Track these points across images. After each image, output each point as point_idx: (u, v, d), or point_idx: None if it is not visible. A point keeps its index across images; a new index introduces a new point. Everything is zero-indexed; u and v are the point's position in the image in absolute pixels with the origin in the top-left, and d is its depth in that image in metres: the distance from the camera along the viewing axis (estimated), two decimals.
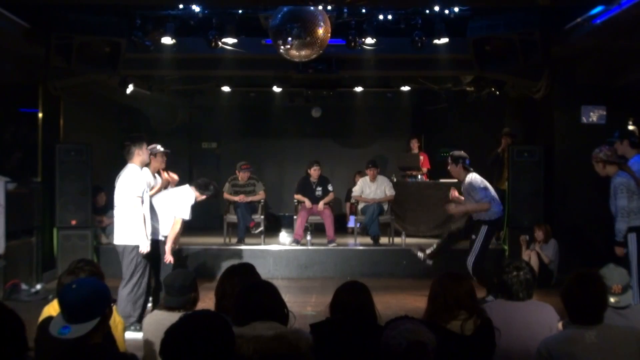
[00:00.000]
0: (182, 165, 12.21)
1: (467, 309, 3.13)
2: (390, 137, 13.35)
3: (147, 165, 6.36)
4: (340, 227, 11.05)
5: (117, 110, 11.80)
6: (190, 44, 8.28)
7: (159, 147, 6.63)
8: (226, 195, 9.90)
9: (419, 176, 11.21)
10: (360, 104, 12.81)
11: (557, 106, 9.03)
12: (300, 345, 2.61)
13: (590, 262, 3.78)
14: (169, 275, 4.08)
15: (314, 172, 9.96)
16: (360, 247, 9.69)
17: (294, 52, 6.92)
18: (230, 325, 2.36)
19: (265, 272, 8.70)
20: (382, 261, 9.33)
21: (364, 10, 7.61)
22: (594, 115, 8.83)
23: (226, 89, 11.54)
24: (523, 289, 3.54)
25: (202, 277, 8.40)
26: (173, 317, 2.92)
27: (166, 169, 7.06)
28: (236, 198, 9.73)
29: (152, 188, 6.42)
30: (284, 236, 11.30)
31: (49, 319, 2.82)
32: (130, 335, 4.78)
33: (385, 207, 10.12)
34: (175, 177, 7.09)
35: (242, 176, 9.91)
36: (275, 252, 9.40)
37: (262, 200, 10.02)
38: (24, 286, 7.71)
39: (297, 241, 9.62)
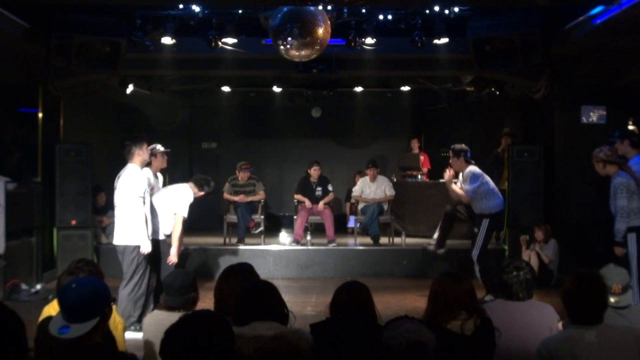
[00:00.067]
0: (182, 165, 12.23)
1: (467, 309, 3.13)
2: (390, 137, 13.35)
3: (148, 165, 6.36)
4: (340, 227, 11.05)
5: (117, 110, 11.79)
6: (190, 44, 8.28)
7: (159, 147, 6.63)
8: (226, 195, 9.90)
9: (419, 176, 11.21)
10: (360, 104, 12.82)
11: (557, 106, 9.04)
12: (300, 345, 2.61)
13: (590, 262, 3.79)
14: (169, 275, 4.08)
15: (314, 172, 9.96)
16: (360, 247, 9.69)
17: (294, 52, 6.93)
18: (230, 325, 2.36)
19: (265, 272, 8.70)
20: (382, 261, 9.33)
21: (364, 10, 7.62)
22: (594, 115, 8.83)
23: (226, 89, 11.55)
24: (523, 289, 3.54)
25: (202, 277, 8.40)
26: (173, 317, 2.92)
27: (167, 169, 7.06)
28: (236, 198, 9.73)
29: (152, 188, 6.42)
30: (284, 236, 11.30)
31: (49, 318, 2.82)
32: (130, 335, 4.78)
33: (385, 207, 10.12)
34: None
35: (242, 176, 9.91)
36: (275, 252, 9.40)
37: (262, 200, 10.02)
38: (24, 286, 7.71)
39: (297, 241, 9.62)
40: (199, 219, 9.52)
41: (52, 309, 3.50)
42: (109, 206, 8.06)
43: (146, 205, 5.99)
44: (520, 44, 7.50)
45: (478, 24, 7.74)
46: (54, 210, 8.77)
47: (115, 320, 3.60)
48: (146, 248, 5.87)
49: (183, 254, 6.80)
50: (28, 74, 8.43)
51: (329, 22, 6.93)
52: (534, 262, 7.71)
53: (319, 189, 9.92)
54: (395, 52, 8.55)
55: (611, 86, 8.69)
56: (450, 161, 7.35)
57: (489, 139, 10.47)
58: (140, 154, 6.03)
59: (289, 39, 6.72)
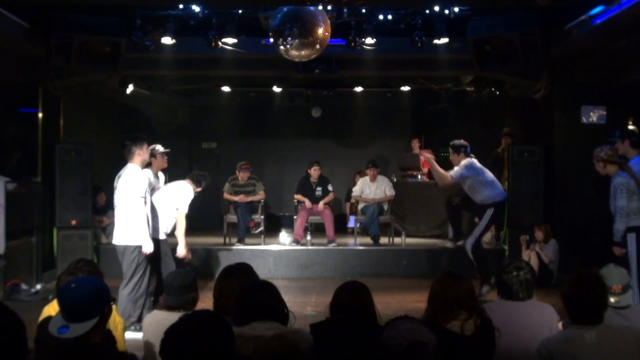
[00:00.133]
0: (182, 165, 12.22)
1: (467, 309, 3.12)
2: (390, 137, 13.35)
3: (149, 165, 6.36)
4: (340, 227, 11.04)
5: (117, 110, 11.79)
6: (190, 44, 8.27)
7: (159, 148, 6.63)
8: (226, 195, 9.90)
9: (419, 176, 11.22)
10: (360, 104, 12.81)
11: (557, 106, 9.03)
12: (300, 345, 2.61)
13: (590, 262, 3.78)
14: (169, 275, 4.08)
15: (314, 172, 9.96)
16: (360, 247, 9.69)
17: (294, 52, 6.93)
18: (230, 325, 2.36)
19: (265, 272, 8.70)
20: (382, 261, 9.33)
21: (364, 10, 7.62)
22: (594, 115, 8.83)
23: (226, 89, 11.54)
24: (523, 289, 3.54)
25: (202, 277, 8.41)
26: (173, 317, 2.92)
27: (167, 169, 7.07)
28: (236, 198, 9.73)
29: (153, 189, 6.43)
30: (284, 236, 11.30)
31: (49, 318, 2.82)
32: (130, 335, 4.78)
33: (385, 207, 10.12)
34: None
35: (242, 176, 9.91)
36: (275, 252, 9.40)
37: (262, 200, 10.02)
38: (24, 286, 7.71)
39: (297, 241, 9.62)
40: (199, 219, 9.55)
41: (52, 309, 3.50)
42: (109, 206, 8.05)
43: (147, 205, 5.99)
44: (520, 44, 7.50)
45: (478, 24, 7.74)
46: (54, 210, 8.77)
47: (115, 320, 3.60)
48: (148, 248, 5.88)
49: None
50: (28, 74, 8.43)
51: (329, 22, 6.93)
52: (534, 262, 7.71)
53: (319, 189, 9.92)
54: (395, 52, 8.55)
55: (611, 86, 8.69)
56: (450, 157, 7.35)
57: (489, 139, 10.47)
58: (141, 153, 6.03)
59: (289, 39, 6.72)
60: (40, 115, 8.66)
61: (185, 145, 13.16)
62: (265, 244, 9.68)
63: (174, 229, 6.76)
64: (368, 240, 10.00)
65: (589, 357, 2.92)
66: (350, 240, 10.46)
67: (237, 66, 8.94)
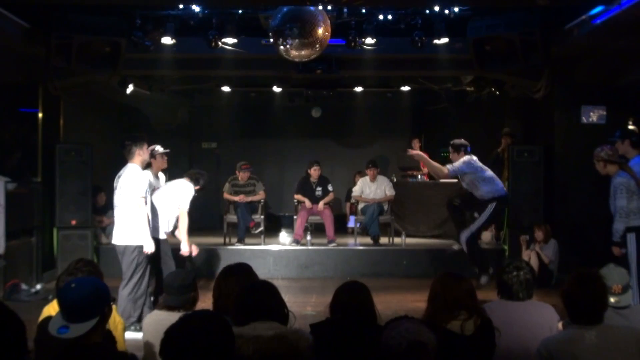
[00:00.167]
0: (182, 165, 12.19)
1: (467, 309, 3.12)
2: (390, 137, 13.34)
3: (149, 166, 6.36)
4: (340, 227, 11.04)
5: (117, 110, 11.79)
6: (190, 44, 8.28)
7: (158, 148, 6.63)
8: (226, 195, 9.90)
9: (419, 176, 11.22)
10: (360, 104, 12.81)
11: (557, 106, 9.03)
12: (300, 345, 2.61)
13: (590, 262, 3.78)
14: (168, 275, 4.08)
15: (314, 172, 9.96)
16: (360, 247, 9.69)
17: (294, 52, 6.92)
18: (230, 325, 2.36)
19: (265, 272, 8.70)
20: (382, 261, 9.33)
21: (364, 10, 7.62)
22: (594, 115, 8.84)
23: (226, 89, 11.54)
24: (523, 289, 3.54)
25: (202, 277, 8.42)
26: (173, 316, 2.92)
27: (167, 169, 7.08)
28: (236, 198, 9.73)
29: (153, 189, 6.43)
30: (284, 236, 11.30)
31: (49, 318, 2.82)
32: (130, 335, 4.78)
33: (385, 207, 10.12)
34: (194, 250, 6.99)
35: (242, 176, 9.91)
36: (275, 252, 9.40)
37: (262, 200, 10.02)
38: (24, 286, 7.71)
39: (297, 241, 9.62)
40: (199, 219, 9.53)
41: (52, 309, 3.50)
42: (109, 206, 8.06)
43: (147, 205, 6.00)
44: (520, 44, 7.50)
45: (478, 24, 7.74)
46: (54, 210, 8.77)
47: (115, 320, 3.60)
48: (150, 248, 5.89)
49: (178, 252, 6.81)
50: (28, 74, 8.43)
51: (329, 22, 6.93)
52: (534, 262, 7.71)
53: (319, 189, 9.92)
54: (395, 52, 8.55)
55: (611, 86, 8.69)
56: (451, 156, 7.34)
57: (489, 139, 10.47)
58: (141, 154, 6.03)
59: (289, 39, 6.72)
60: (40, 115, 8.66)
61: (185, 145, 13.16)
62: (265, 244, 9.68)
63: (174, 228, 6.77)
64: (368, 240, 10.00)
65: (589, 357, 2.92)
66: (350, 240, 10.46)
67: (237, 66, 8.94)
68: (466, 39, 7.87)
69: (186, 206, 6.67)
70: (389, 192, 10.08)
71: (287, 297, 3.03)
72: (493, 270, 7.15)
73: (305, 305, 7.18)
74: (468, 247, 7.16)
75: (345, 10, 7.52)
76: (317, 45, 6.84)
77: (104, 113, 11.32)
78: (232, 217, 9.81)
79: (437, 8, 7.51)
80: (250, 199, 9.79)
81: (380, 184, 10.11)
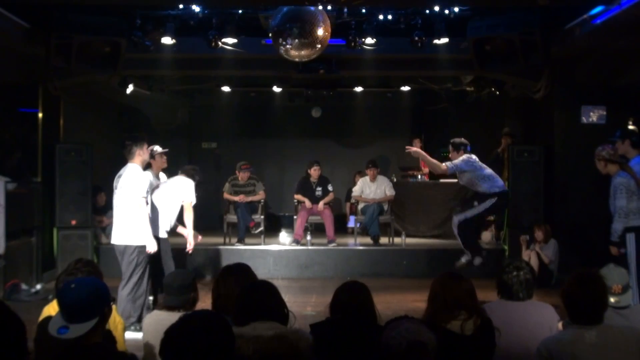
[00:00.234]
0: (182, 165, 12.19)
1: (467, 309, 3.12)
2: (390, 137, 13.33)
3: (149, 166, 6.36)
4: (340, 227, 11.04)
5: (117, 110, 11.80)
6: (190, 44, 8.28)
7: (157, 148, 6.63)
8: (226, 195, 9.90)
9: (420, 176, 11.22)
10: (360, 104, 12.81)
11: (557, 106, 9.03)
12: (300, 345, 2.61)
13: (590, 262, 3.78)
14: (168, 275, 4.08)
15: (314, 172, 9.96)
16: (360, 247, 9.69)
17: (294, 52, 6.92)
18: (230, 325, 2.36)
19: (265, 272, 8.71)
20: (382, 261, 9.33)
21: (364, 10, 7.62)
22: (594, 115, 8.83)
23: (226, 89, 11.54)
24: (523, 289, 3.54)
25: (202, 277, 8.43)
26: (173, 317, 2.91)
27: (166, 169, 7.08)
28: (236, 198, 9.73)
29: (154, 189, 6.43)
30: (284, 236, 11.30)
31: (49, 318, 2.82)
32: (130, 335, 4.78)
33: (385, 207, 10.12)
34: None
35: (242, 176, 9.91)
36: (275, 252, 9.40)
37: (262, 200, 10.02)
38: (24, 286, 7.71)
39: (297, 241, 9.62)
40: (199, 219, 9.49)
41: (52, 309, 3.50)
42: (109, 206, 8.05)
43: (148, 205, 6.00)
44: (520, 44, 7.51)
45: (478, 24, 7.74)
46: (54, 210, 8.77)
47: (115, 320, 3.60)
48: (152, 247, 5.90)
49: (184, 254, 6.82)
50: (28, 74, 8.43)
51: (329, 22, 6.93)
52: (534, 262, 7.71)
53: (319, 189, 9.92)
54: (395, 52, 8.55)
55: (611, 86, 8.69)
56: (450, 155, 7.34)
57: (489, 139, 10.47)
58: (141, 154, 6.03)
59: (289, 39, 6.72)
60: (40, 115, 8.65)
61: (185, 145, 13.16)
62: (265, 244, 9.68)
63: (175, 226, 6.77)
64: (368, 240, 9.99)
65: (589, 357, 2.92)
66: (350, 240, 10.46)
67: (237, 66, 8.94)
68: (466, 39, 7.87)
69: (193, 199, 6.71)
70: (389, 192, 10.08)
71: (287, 297, 3.03)
72: (486, 252, 7.20)
73: (305, 305, 7.18)
74: (459, 230, 7.09)
75: (345, 10, 7.52)
76: (317, 45, 6.84)
77: (104, 113, 11.32)
78: (232, 217, 9.81)
79: (437, 8, 7.51)
80: (250, 199, 9.79)
81: (380, 184, 10.11)
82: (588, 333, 2.97)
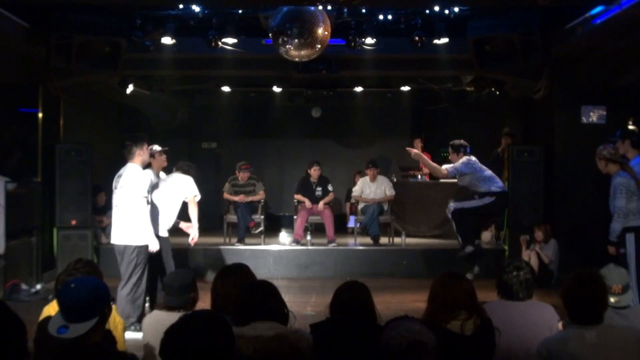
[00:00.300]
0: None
1: (467, 309, 3.12)
2: (390, 137, 13.34)
3: (149, 166, 6.36)
4: (340, 227, 11.04)
5: (117, 110, 11.80)
6: (190, 44, 8.28)
7: (156, 147, 6.63)
8: (226, 195, 9.90)
9: (420, 176, 11.22)
10: (360, 104, 12.81)
11: (557, 106, 9.03)
12: (300, 345, 2.61)
13: (590, 262, 3.78)
14: (168, 275, 4.09)
15: (314, 172, 9.96)
16: (360, 247, 9.69)
17: (294, 52, 6.92)
18: (230, 325, 2.36)
19: (265, 272, 8.71)
20: (382, 261, 9.33)
21: (364, 10, 7.62)
22: (594, 115, 8.83)
23: (226, 89, 11.55)
24: (523, 289, 3.54)
25: (202, 277, 8.42)
26: (173, 317, 2.91)
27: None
28: (236, 198, 9.73)
29: (153, 188, 6.43)
30: (284, 236, 11.30)
31: (49, 318, 2.81)
32: (130, 335, 4.78)
33: (385, 207, 10.12)
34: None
35: (242, 176, 9.91)
36: (275, 252, 9.40)
37: (262, 200, 10.02)
38: (24, 286, 7.71)
39: (297, 241, 9.62)
40: (199, 219, 9.49)
41: (52, 309, 3.50)
42: (109, 206, 8.04)
43: (148, 205, 6.00)
44: (520, 44, 7.51)
45: (478, 24, 7.74)
46: (54, 210, 8.77)
47: (115, 320, 3.60)
48: (155, 246, 5.91)
49: (184, 253, 6.84)
50: (28, 74, 8.43)
51: (329, 22, 6.93)
52: (534, 262, 7.71)
53: (319, 189, 9.92)
54: (395, 52, 8.55)
55: (611, 86, 8.69)
56: (450, 157, 7.34)
57: (489, 139, 10.47)
58: (141, 154, 6.03)
59: (289, 39, 6.72)
60: (40, 115, 8.65)
61: (185, 145, 13.14)
62: (265, 244, 9.68)
63: (175, 224, 6.78)
64: (368, 240, 9.99)
65: (589, 357, 2.92)
66: (350, 240, 10.46)
67: (237, 66, 8.94)
68: (466, 39, 7.87)
69: (197, 194, 6.78)
70: (389, 192, 10.08)
71: (287, 297, 3.02)
72: (479, 242, 7.20)
73: (305, 305, 7.18)
74: (453, 216, 7.11)
75: (345, 10, 7.52)
76: (317, 45, 6.83)
77: (104, 113, 11.32)
78: (232, 217, 9.81)
79: (437, 8, 7.51)
80: (250, 199, 9.79)
81: (380, 184, 10.11)
82: (588, 333, 2.97)
